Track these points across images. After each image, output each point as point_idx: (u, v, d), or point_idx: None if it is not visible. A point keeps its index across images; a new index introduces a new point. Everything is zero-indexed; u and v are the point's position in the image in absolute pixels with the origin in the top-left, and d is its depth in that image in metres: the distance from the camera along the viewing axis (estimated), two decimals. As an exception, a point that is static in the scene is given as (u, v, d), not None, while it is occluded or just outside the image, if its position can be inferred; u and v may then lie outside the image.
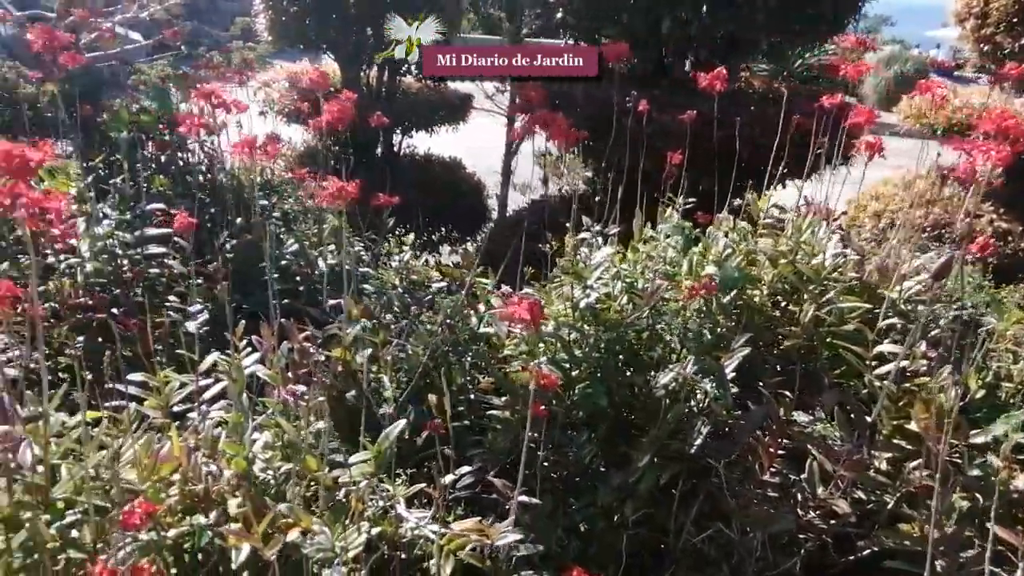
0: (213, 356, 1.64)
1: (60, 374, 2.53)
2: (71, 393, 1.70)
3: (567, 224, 2.63)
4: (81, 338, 2.60)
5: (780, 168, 2.56)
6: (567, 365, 1.98)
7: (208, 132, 4.05)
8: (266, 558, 1.12)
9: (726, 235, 2.42)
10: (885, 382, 1.75)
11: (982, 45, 5.38)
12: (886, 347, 1.86)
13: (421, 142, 6.55)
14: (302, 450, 1.32)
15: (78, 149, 3.28)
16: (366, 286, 2.98)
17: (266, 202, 3.36)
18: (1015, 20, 5.09)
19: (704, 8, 3.24)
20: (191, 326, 2.15)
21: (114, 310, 2.55)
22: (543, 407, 1.63)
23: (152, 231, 2.74)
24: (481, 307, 2.42)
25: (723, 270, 2.17)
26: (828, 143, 2.64)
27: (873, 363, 1.86)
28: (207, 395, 1.62)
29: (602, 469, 1.90)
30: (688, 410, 1.79)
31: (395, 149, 6.28)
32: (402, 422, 1.43)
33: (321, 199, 1.71)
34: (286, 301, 3.08)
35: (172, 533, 1.25)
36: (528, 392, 1.85)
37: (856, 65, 2.12)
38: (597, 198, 2.79)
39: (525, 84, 3.48)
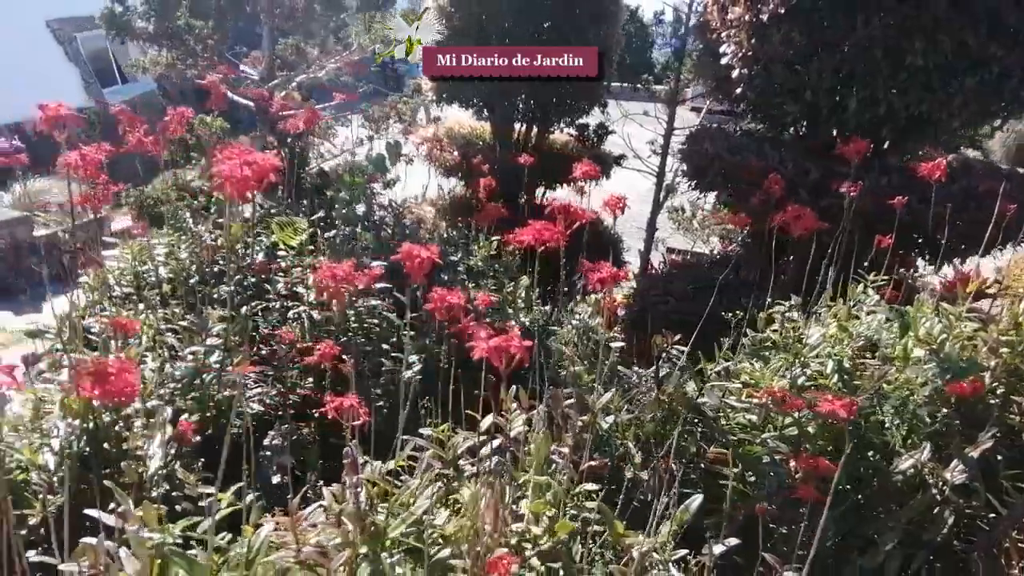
0: (490, 418, 1.82)
1: (290, 410, 2.82)
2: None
3: (718, 285, 2.75)
4: (310, 379, 2.89)
5: (990, 244, 2.57)
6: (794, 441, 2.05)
7: (385, 186, 4.43)
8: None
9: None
10: None
11: None
12: None
13: (562, 195, 6.80)
14: (608, 514, 1.46)
15: (294, 204, 3.65)
16: (550, 343, 3.16)
17: (455, 258, 3.61)
18: None
19: (897, 88, 3.26)
20: (407, 375, 2.38)
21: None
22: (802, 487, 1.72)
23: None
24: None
25: (945, 357, 2.20)
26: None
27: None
28: (484, 451, 1.79)
29: (831, 547, 1.96)
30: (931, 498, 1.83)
31: (537, 201, 6.54)
32: (699, 497, 1.55)
33: (592, 283, 1.87)
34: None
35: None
36: (766, 467, 1.94)
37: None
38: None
39: (750, 168, 3.56)
